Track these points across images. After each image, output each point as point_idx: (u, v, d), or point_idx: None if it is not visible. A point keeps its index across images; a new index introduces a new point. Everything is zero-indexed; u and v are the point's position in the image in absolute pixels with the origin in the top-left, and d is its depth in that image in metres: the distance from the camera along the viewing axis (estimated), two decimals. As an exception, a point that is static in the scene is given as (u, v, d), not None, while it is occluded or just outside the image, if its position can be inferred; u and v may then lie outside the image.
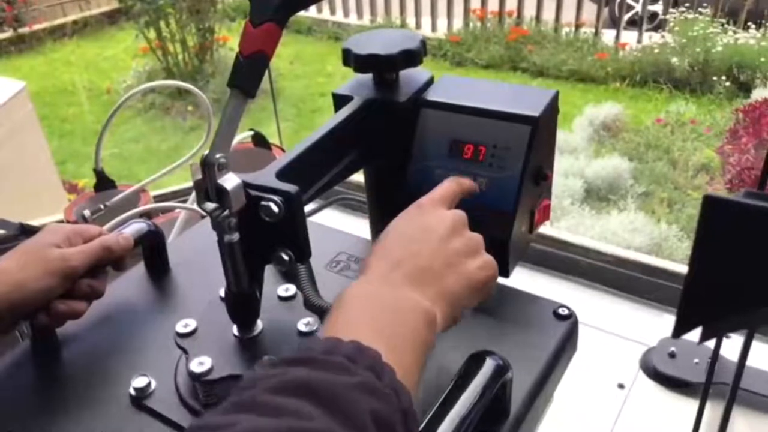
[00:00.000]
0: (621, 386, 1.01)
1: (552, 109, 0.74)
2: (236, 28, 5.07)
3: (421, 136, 0.76)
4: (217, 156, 0.53)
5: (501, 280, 0.74)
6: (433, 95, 0.77)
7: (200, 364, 0.57)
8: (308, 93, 4.92)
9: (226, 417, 0.37)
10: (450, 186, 0.63)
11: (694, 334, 0.48)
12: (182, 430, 0.59)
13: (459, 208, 0.65)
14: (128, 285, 0.79)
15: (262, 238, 0.57)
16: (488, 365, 0.56)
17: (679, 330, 0.41)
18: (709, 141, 3.69)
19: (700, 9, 4.80)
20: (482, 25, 5.32)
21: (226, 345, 0.60)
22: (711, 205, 0.37)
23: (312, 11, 5.96)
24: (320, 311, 0.65)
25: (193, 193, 1.29)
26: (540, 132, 0.71)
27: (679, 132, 3.83)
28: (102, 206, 1.22)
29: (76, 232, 0.71)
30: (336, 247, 0.82)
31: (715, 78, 4.31)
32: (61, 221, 1.34)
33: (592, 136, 3.84)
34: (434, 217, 0.57)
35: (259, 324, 0.62)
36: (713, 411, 0.90)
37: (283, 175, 0.60)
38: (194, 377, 0.57)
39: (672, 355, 1.02)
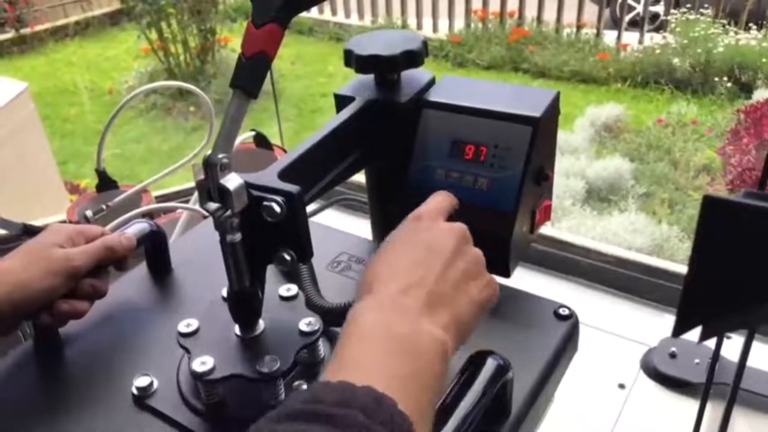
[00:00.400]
0: (621, 386, 1.01)
1: (553, 109, 0.74)
2: (238, 29, 5.08)
3: (422, 136, 0.76)
4: (220, 156, 0.53)
5: (502, 280, 0.75)
6: (434, 96, 0.77)
7: (202, 363, 0.57)
8: (309, 93, 4.93)
9: None
10: (445, 198, 0.62)
11: (695, 334, 0.48)
12: (184, 429, 0.59)
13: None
14: (130, 285, 0.79)
15: (264, 238, 0.58)
16: (489, 365, 0.56)
17: (679, 329, 0.41)
18: (711, 142, 3.69)
19: (701, 10, 4.80)
20: (483, 26, 5.32)
21: (228, 344, 0.60)
22: (711, 205, 0.37)
23: (313, 12, 5.97)
24: (322, 311, 0.65)
25: (195, 194, 1.30)
26: (541, 132, 0.71)
27: (680, 133, 3.83)
28: (104, 206, 1.22)
29: (79, 232, 0.72)
30: (337, 247, 0.82)
31: (716, 79, 4.31)
32: (64, 221, 1.34)
33: (594, 137, 3.84)
34: (438, 234, 0.55)
35: (261, 324, 0.62)
36: (714, 411, 0.90)
37: (285, 175, 0.60)
38: (196, 376, 0.58)
39: (673, 356, 1.02)
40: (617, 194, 3.26)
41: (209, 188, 0.54)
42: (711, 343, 0.72)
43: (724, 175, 3.14)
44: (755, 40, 4.50)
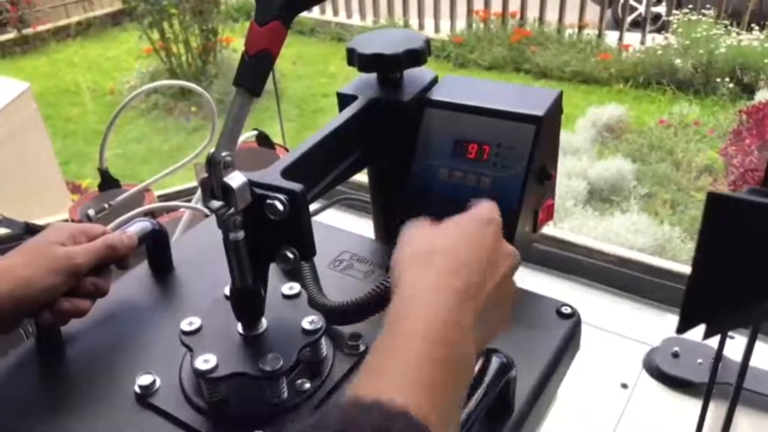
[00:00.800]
0: (624, 386, 1.01)
1: (556, 108, 0.74)
2: (239, 29, 5.08)
3: (425, 135, 0.76)
4: (223, 154, 0.53)
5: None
6: (437, 95, 0.77)
7: (205, 361, 0.57)
8: (311, 93, 4.93)
9: None
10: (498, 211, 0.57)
11: (698, 334, 0.48)
12: (187, 427, 0.59)
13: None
14: (132, 284, 0.79)
15: (267, 237, 0.58)
16: (493, 363, 0.57)
17: (684, 326, 0.41)
18: (713, 142, 3.68)
19: (703, 10, 4.80)
20: (485, 27, 5.32)
21: (231, 343, 0.61)
22: (715, 201, 0.37)
23: (315, 12, 5.97)
24: (324, 310, 0.65)
25: (198, 193, 1.30)
26: (544, 131, 0.71)
27: (682, 133, 3.83)
28: (106, 205, 1.22)
29: (80, 231, 0.72)
30: (339, 246, 0.82)
31: (718, 79, 4.30)
32: (66, 221, 1.34)
33: (596, 138, 3.83)
34: (502, 250, 0.52)
35: (264, 322, 0.62)
36: (717, 411, 0.90)
37: (288, 173, 0.60)
38: (199, 374, 0.58)
39: (675, 355, 1.02)
40: (619, 195, 3.25)
41: (212, 186, 0.55)
42: (714, 342, 0.72)
43: (727, 175, 3.14)
44: (757, 40, 4.49)
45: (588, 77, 4.67)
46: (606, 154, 3.63)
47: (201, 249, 0.83)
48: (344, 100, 0.78)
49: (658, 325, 1.12)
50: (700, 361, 1.02)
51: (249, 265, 0.59)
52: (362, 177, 0.88)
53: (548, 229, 1.24)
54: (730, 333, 0.92)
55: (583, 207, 3.07)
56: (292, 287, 0.65)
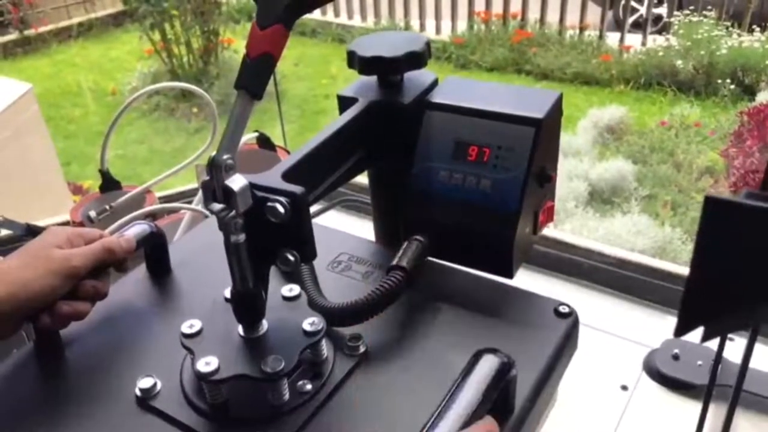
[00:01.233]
0: (624, 388, 1.01)
1: (556, 110, 0.74)
2: (241, 30, 5.09)
3: (425, 137, 0.76)
4: (225, 157, 0.53)
5: (504, 280, 0.75)
6: (437, 97, 0.77)
7: (207, 364, 0.58)
8: (312, 95, 4.93)
9: None
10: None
11: (697, 336, 0.48)
12: (189, 430, 0.59)
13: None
14: (130, 286, 0.79)
15: (268, 239, 0.58)
16: (493, 362, 0.57)
17: (681, 329, 0.41)
18: (714, 144, 3.68)
19: (704, 12, 4.80)
20: (486, 28, 5.32)
21: (232, 345, 0.61)
22: (713, 205, 0.37)
23: (316, 13, 5.97)
24: (324, 311, 0.65)
25: (199, 194, 1.30)
26: (544, 133, 0.72)
27: (683, 135, 3.83)
28: (108, 207, 1.22)
29: (77, 234, 0.72)
30: (337, 247, 0.82)
31: (719, 81, 4.30)
32: (67, 222, 1.34)
33: (596, 139, 3.83)
34: None
35: (264, 324, 0.62)
36: (716, 413, 0.90)
37: (288, 176, 0.60)
38: (201, 377, 0.58)
39: (675, 357, 1.02)
40: (620, 196, 3.25)
41: (214, 189, 0.55)
42: (714, 344, 0.72)
43: (727, 177, 3.14)
44: (758, 42, 4.49)
45: (589, 78, 4.67)
46: (607, 156, 3.63)
47: (198, 251, 0.83)
48: (345, 102, 0.78)
49: (658, 326, 1.12)
50: (700, 363, 1.02)
51: (250, 268, 0.59)
52: (363, 179, 0.88)
53: (548, 231, 1.24)
54: (729, 335, 0.92)
55: (584, 208, 3.07)
56: (292, 289, 0.65)
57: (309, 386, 0.61)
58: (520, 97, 0.76)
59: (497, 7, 5.31)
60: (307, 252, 0.59)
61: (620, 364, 1.05)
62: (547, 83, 4.68)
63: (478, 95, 0.77)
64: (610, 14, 5.21)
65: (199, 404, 0.61)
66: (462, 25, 5.45)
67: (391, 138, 0.78)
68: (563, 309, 0.70)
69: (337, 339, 0.66)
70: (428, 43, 0.77)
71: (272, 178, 0.59)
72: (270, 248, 0.59)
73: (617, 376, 1.03)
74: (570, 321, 0.69)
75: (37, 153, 2.39)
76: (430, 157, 0.75)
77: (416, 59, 0.76)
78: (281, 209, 0.55)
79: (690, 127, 3.90)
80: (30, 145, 2.34)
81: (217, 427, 0.59)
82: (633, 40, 4.97)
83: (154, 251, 0.81)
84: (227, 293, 0.63)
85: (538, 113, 0.71)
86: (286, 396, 0.60)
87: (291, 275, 0.72)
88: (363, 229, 0.93)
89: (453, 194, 0.73)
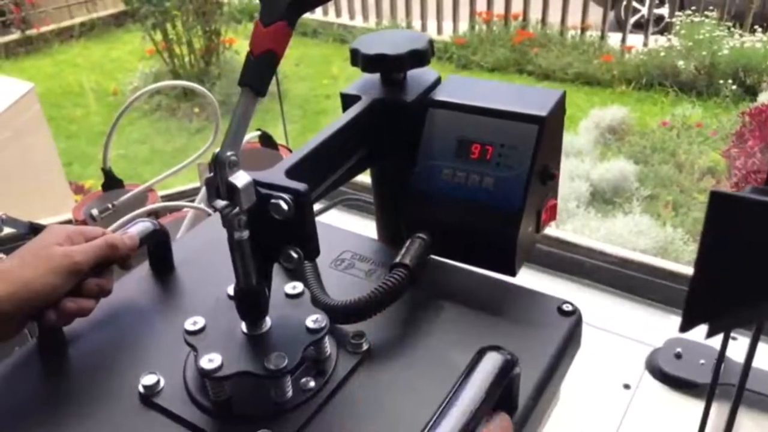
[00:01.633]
0: (627, 387, 1.01)
1: (559, 109, 0.75)
2: (242, 30, 5.09)
3: (428, 135, 0.76)
4: (228, 153, 0.53)
5: (507, 278, 0.75)
6: (440, 95, 0.77)
7: (210, 361, 0.58)
8: (313, 95, 4.93)
9: None
10: None
11: (700, 334, 0.48)
12: (192, 427, 0.59)
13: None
14: (133, 284, 0.79)
15: (271, 236, 0.58)
16: (496, 360, 0.57)
17: (686, 325, 0.41)
18: (715, 144, 3.68)
19: (706, 12, 4.80)
20: (488, 28, 5.32)
21: (235, 342, 0.61)
22: (718, 200, 0.37)
23: (318, 13, 5.98)
24: (327, 308, 0.65)
25: (201, 193, 1.30)
26: (547, 131, 0.72)
27: (684, 135, 3.83)
28: (110, 205, 1.22)
29: (78, 232, 0.72)
30: (340, 245, 0.82)
31: (721, 81, 4.30)
32: (69, 221, 1.34)
33: (598, 139, 3.83)
34: None
35: (268, 321, 0.62)
36: (719, 412, 0.90)
37: (292, 173, 0.60)
38: (204, 374, 0.58)
39: (678, 356, 1.02)
40: (621, 196, 3.25)
41: (217, 186, 0.55)
42: (716, 343, 0.72)
43: (729, 177, 3.13)
44: (760, 42, 4.48)
45: (591, 79, 4.67)
46: (608, 156, 3.63)
47: (201, 249, 0.84)
48: (348, 100, 0.78)
49: (661, 325, 1.12)
50: (702, 361, 1.02)
51: (253, 265, 0.59)
52: (365, 177, 0.88)
53: (551, 230, 1.24)
54: (732, 334, 0.93)
55: (586, 209, 3.07)
56: (295, 286, 0.66)
57: (312, 383, 0.61)
58: (523, 96, 0.76)
59: (499, 8, 5.31)
60: (311, 249, 0.59)
61: (623, 363, 1.05)
62: (549, 84, 4.68)
63: (481, 93, 0.77)
64: (611, 15, 5.20)
65: (202, 401, 0.61)
66: (463, 26, 5.45)
67: (394, 136, 0.78)
68: (567, 307, 0.70)
69: (340, 336, 0.66)
70: (431, 41, 0.77)
71: (276, 175, 0.59)
72: (273, 245, 0.59)
73: (620, 375, 1.03)
74: (573, 319, 0.69)
75: (38, 152, 2.40)
76: (433, 155, 0.75)
77: (419, 57, 0.76)
78: (285, 206, 0.55)
79: (691, 128, 3.90)
80: (32, 144, 2.35)
81: (220, 424, 0.59)
82: (635, 40, 4.97)
83: (157, 249, 0.81)
84: (230, 290, 0.63)
85: (542, 111, 0.71)
86: (289, 393, 0.60)
87: (294, 273, 0.72)
88: (365, 228, 0.93)
89: (456, 192, 0.73)
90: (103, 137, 1.27)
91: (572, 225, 2.90)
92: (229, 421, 0.60)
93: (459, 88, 0.79)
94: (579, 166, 3.37)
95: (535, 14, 5.25)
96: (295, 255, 0.58)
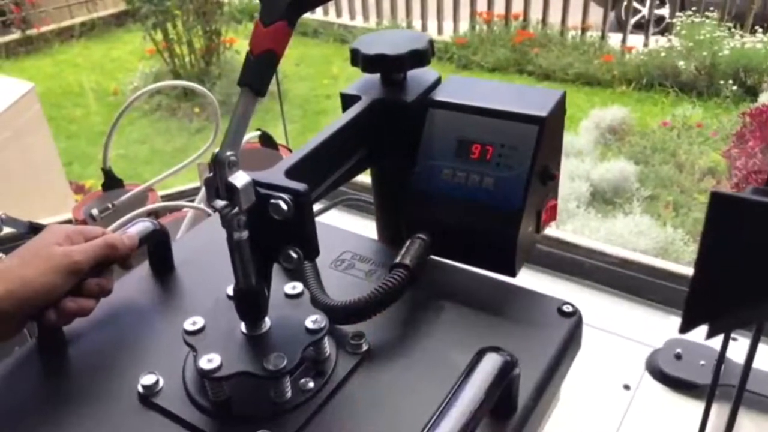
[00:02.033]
0: (627, 387, 1.01)
1: (559, 109, 0.74)
2: (243, 30, 5.09)
3: (428, 136, 0.76)
4: (228, 153, 0.53)
5: (506, 278, 0.75)
6: (440, 95, 0.77)
7: (209, 361, 0.57)
8: (313, 95, 4.93)
9: None
10: None
11: (700, 335, 0.48)
12: (191, 427, 0.59)
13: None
14: (133, 284, 0.79)
15: (271, 236, 0.58)
16: (496, 360, 0.57)
17: (686, 326, 0.41)
18: (716, 144, 3.68)
19: (707, 13, 4.80)
20: (488, 28, 5.32)
21: (235, 342, 0.61)
22: (719, 201, 0.37)
23: (318, 13, 5.98)
24: (327, 309, 0.65)
25: (201, 193, 1.30)
26: (547, 132, 0.72)
27: (685, 135, 3.83)
28: (110, 205, 1.22)
29: (78, 232, 0.72)
30: (340, 245, 0.82)
31: (721, 82, 4.30)
32: (69, 221, 1.34)
33: (598, 139, 3.83)
34: None
35: (267, 321, 0.62)
36: (719, 413, 0.90)
37: (291, 173, 0.60)
38: (203, 374, 0.58)
39: (678, 357, 1.02)
40: (622, 197, 3.25)
41: (217, 186, 0.55)
42: (717, 344, 0.72)
43: (730, 177, 3.13)
44: (761, 43, 4.49)
45: (591, 79, 4.67)
46: (609, 156, 3.63)
47: (201, 249, 0.83)
48: (348, 100, 0.78)
49: (661, 326, 1.12)
50: (702, 362, 1.02)
51: (253, 265, 0.59)
52: (365, 177, 0.88)
53: (551, 231, 1.24)
54: (732, 335, 0.92)
55: (586, 209, 3.07)
56: (295, 287, 0.65)
57: (311, 384, 0.61)
58: (523, 96, 0.76)
59: (499, 8, 5.32)
60: (310, 249, 0.59)
61: (623, 364, 1.05)
62: (549, 84, 4.68)
63: (481, 93, 0.77)
64: (612, 15, 5.20)
65: (201, 401, 0.60)
66: (464, 26, 5.45)
67: (394, 136, 0.78)
68: (567, 308, 0.70)
69: (339, 337, 0.66)
70: (431, 42, 0.77)
71: (275, 175, 0.59)
72: (273, 245, 0.58)
73: (620, 376, 1.03)
74: (573, 320, 0.69)
75: (39, 152, 2.40)
76: (433, 156, 0.75)
77: (419, 57, 0.76)
78: (284, 206, 0.55)
79: (692, 128, 3.90)
80: (32, 144, 2.35)
81: (220, 424, 0.59)
82: (635, 40, 4.97)
83: (157, 248, 0.81)
84: (230, 291, 0.63)
85: (542, 111, 0.71)
86: (289, 394, 0.60)
87: (294, 273, 0.72)
88: (365, 228, 0.93)
89: (456, 192, 0.73)
90: (103, 137, 1.27)
91: (572, 225, 2.90)
92: (228, 422, 0.59)
93: (459, 88, 0.78)
94: (579, 167, 3.37)
95: (535, 14, 5.25)
96: (294, 255, 0.58)
